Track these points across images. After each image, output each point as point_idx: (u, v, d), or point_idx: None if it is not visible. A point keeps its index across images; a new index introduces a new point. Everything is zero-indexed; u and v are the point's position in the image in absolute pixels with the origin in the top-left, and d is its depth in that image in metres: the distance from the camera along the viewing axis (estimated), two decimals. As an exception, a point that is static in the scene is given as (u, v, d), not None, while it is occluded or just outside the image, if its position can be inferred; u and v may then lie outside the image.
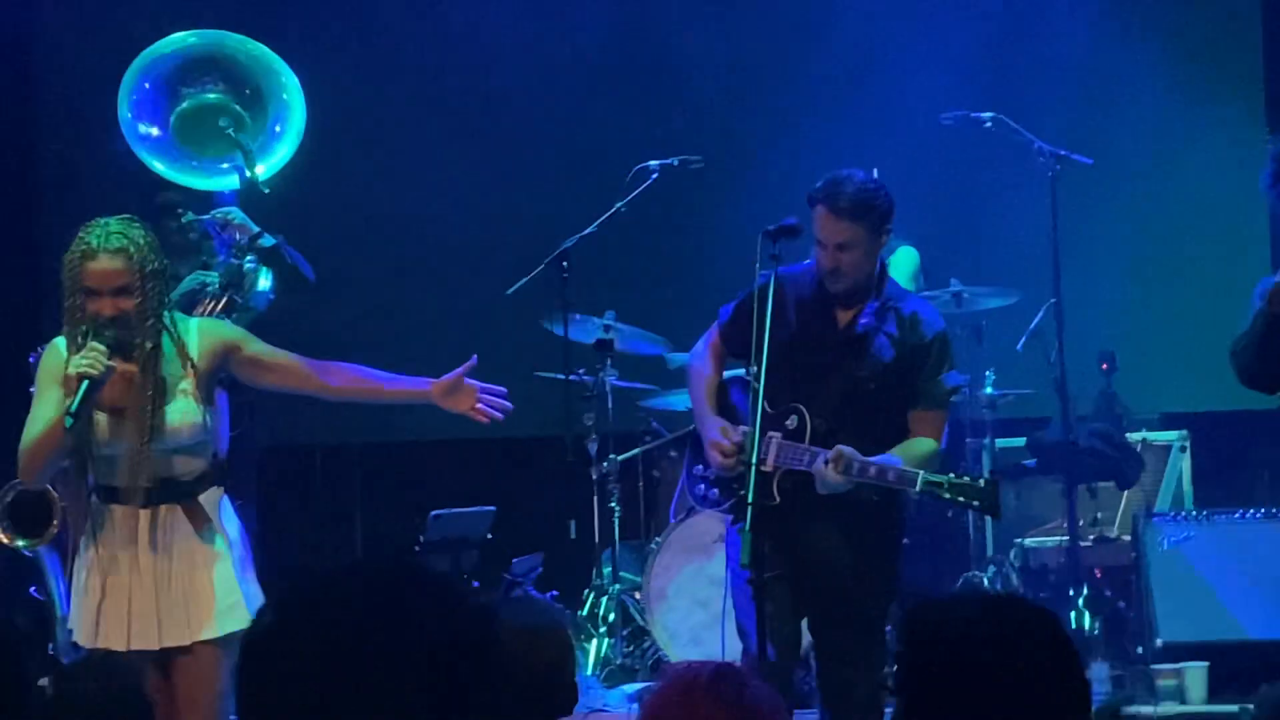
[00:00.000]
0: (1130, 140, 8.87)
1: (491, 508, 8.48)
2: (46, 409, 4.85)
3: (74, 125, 9.15)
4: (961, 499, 5.20)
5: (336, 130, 9.11)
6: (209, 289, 6.87)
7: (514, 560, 8.27)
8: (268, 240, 6.66)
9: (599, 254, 7.79)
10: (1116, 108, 8.97)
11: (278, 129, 6.80)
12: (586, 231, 7.59)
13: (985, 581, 7.69)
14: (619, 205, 7.55)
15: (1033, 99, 8.49)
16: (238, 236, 6.65)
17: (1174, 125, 8.99)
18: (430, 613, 1.96)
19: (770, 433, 5.29)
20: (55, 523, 6.15)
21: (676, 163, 7.60)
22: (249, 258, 6.76)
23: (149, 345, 4.87)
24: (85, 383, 4.71)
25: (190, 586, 4.88)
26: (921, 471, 5.20)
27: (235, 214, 6.66)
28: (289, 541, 8.60)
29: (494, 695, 1.98)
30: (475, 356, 5.05)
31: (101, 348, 4.78)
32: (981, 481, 5.26)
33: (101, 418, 4.90)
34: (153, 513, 4.88)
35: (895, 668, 2.60)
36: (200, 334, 5.02)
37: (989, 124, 7.63)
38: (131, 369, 4.88)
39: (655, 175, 7.57)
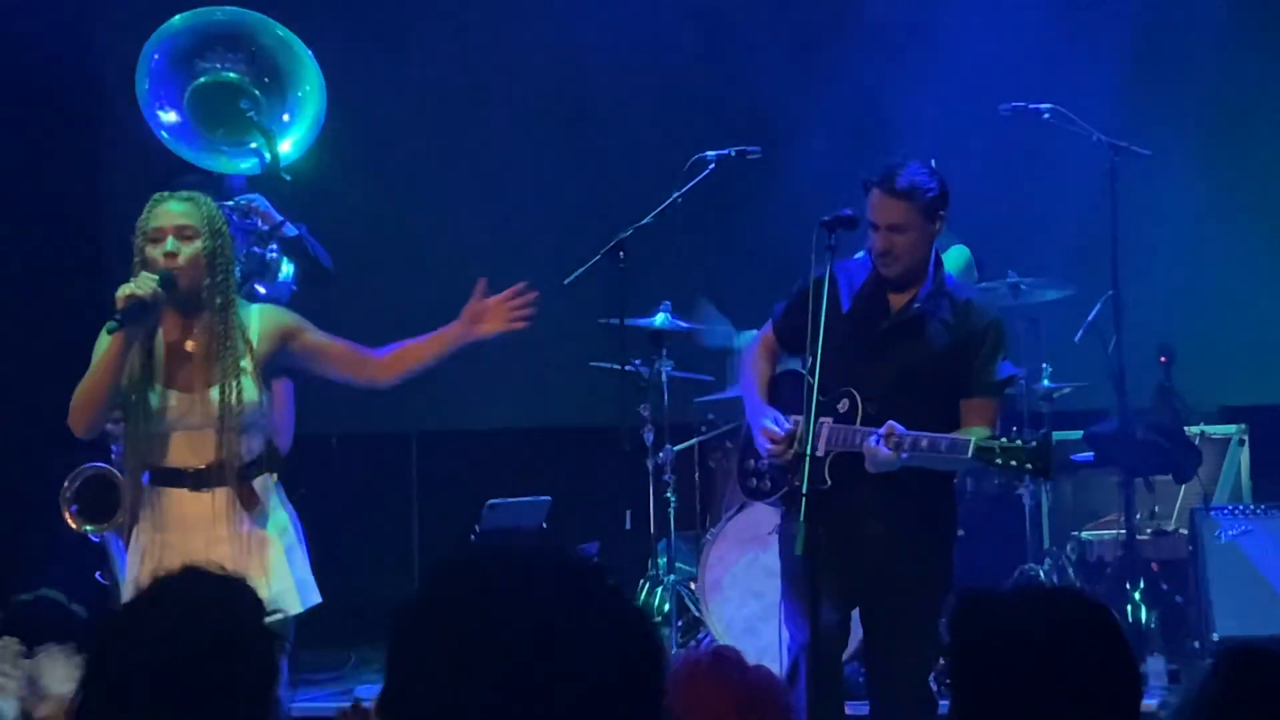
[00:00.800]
0: (1189, 131, 8.82)
1: (547, 498, 8.50)
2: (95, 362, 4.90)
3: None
4: (1014, 463, 5.09)
5: (392, 119, 9.17)
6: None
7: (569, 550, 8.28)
8: (290, 230, 6.68)
9: (655, 245, 7.80)
10: (1175, 98, 8.91)
11: (285, 118, 6.77)
12: (643, 222, 7.59)
13: (1041, 574, 7.67)
14: (676, 196, 7.54)
15: (1090, 90, 8.44)
16: (260, 224, 6.65)
17: (1233, 115, 8.94)
18: (612, 626, 1.94)
19: (822, 419, 5.29)
20: (123, 508, 6.20)
21: (733, 153, 7.57)
22: (272, 246, 6.75)
23: (218, 308, 4.90)
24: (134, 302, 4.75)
25: (240, 571, 4.88)
26: (973, 438, 5.13)
27: (259, 201, 6.66)
28: (346, 531, 8.64)
29: None
30: (483, 279, 5.06)
31: (153, 277, 4.81)
32: (1033, 442, 5.11)
33: (160, 394, 4.93)
34: (209, 496, 4.91)
35: (947, 660, 2.60)
36: (260, 318, 5.06)
37: (1047, 115, 7.60)
38: (195, 345, 4.91)
39: (712, 166, 7.56)
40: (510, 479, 8.74)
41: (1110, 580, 7.84)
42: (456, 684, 1.89)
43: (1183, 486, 8.19)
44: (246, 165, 6.71)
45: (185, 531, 4.90)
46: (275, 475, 5.05)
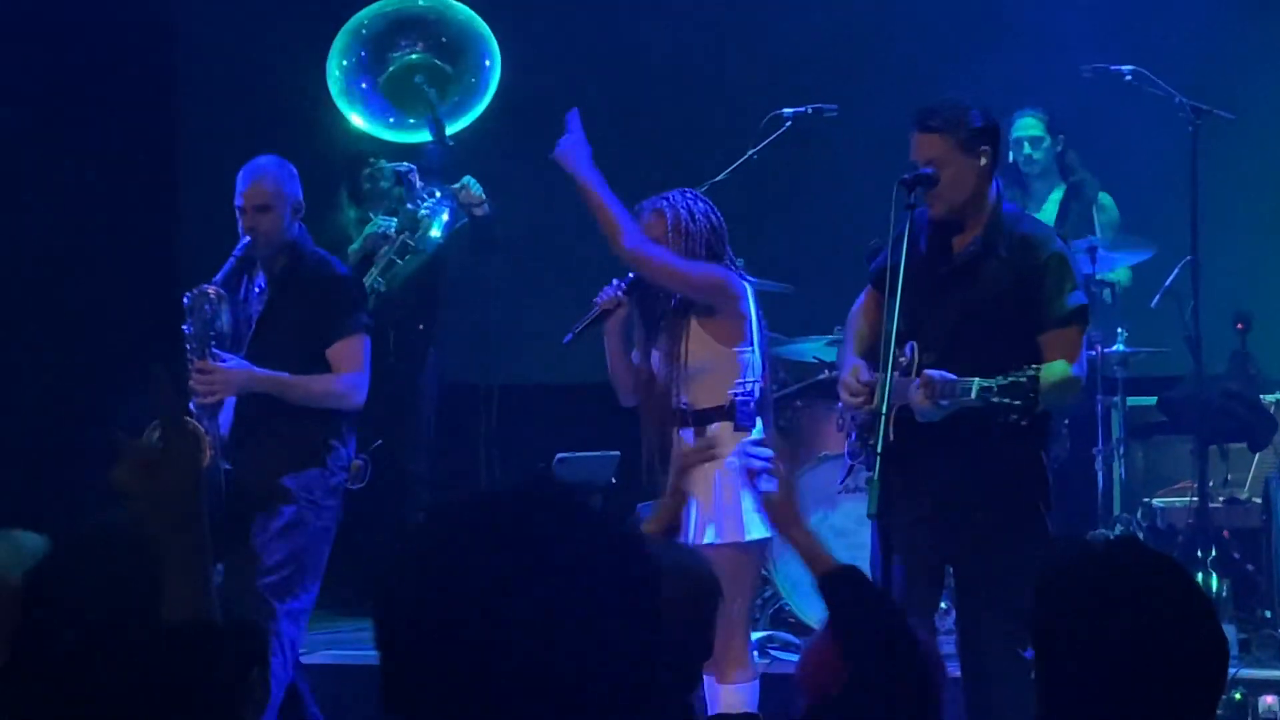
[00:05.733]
0: (1273, 95, 8.71)
1: (616, 453, 8.50)
2: None
3: (216, 61, 9.27)
4: (1006, 400, 4.93)
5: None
6: (387, 231, 7.49)
7: (639, 506, 8.29)
8: (488, 210, 7.76)
9: (730, 202, 7.76)
10: (1258, 62, 8.81)
11: (473, 80, 7.28)
12: (718, 179, 7.56)
13: (1112, 540, 7.63)
14: (751, 153, 7.50)
15: (1173, 52, 8.35)
16: (461, 199, 7.73)
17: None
18: (599, 548, 1.84)
19: (894, 373, 5.23)
20: (203, 457, 6.24)
21: (810, 111, 7.53)
22: (425, 206, 7.61)
23: None
24: None
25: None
26: (976, 379, 4.99)
27: (472, 184, 7.64)
28: (414, 483, 8.67)
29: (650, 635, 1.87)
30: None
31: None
32: (1023, 377, 4.94)
33: (653, 359, 5.78)
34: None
35: (1031, 621, 2.58)
36: None
37: (1129, 77, 7.53)
38: None
39: (789, 123, 7.52)
40: (580, 433, 8.73)
41: (1181, 547, 7.78)
42: (453, 640, 1.81)
43: (1257, 454, 8.11)
44: (418, 136, 7.57)
45: None
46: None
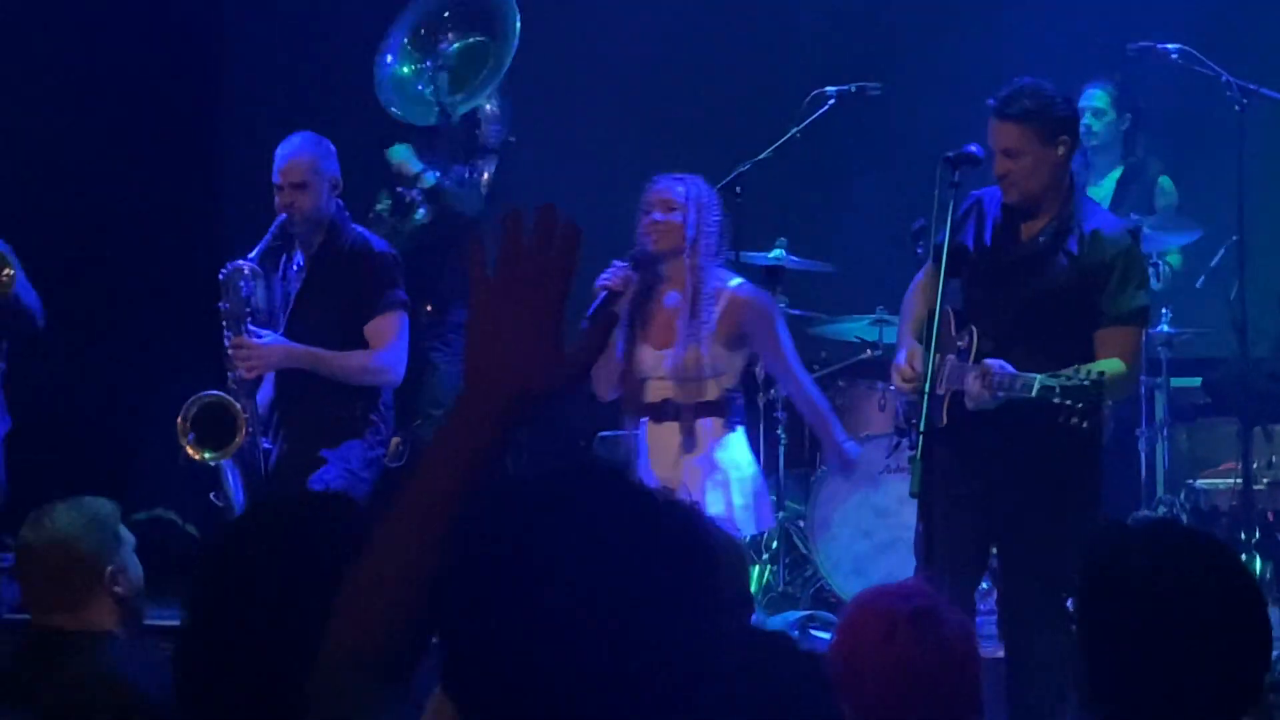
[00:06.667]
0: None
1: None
2: None
3: (259, 39, 9.28)
4: (1069, 401, 4.90)
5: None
6: (381, 213, 7.62)
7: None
8: (430, 179, 7.67)
9: (773, 180, 7.74)
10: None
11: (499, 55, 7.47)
12: (761, 157, 7.53)
13: (1155, 521, 7.58)
14: (794, 131, 7.47)
15: (1220, 31, 8.28)
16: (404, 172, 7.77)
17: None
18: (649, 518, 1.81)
19: (947, 355, 5.21)
20: (240, 436, 6.26)
21: (854, 89, 7.49)
22: (415, 190, 7.73)
23: None
24: None
25: None
26: (1038, 376, 4.98)
27: (399, 152, 7.71)
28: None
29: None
30: None
31: None
32: (1087, 380, 4.92)
33: (643, 351, 6.03)
34: None
35: (1075, 600, 2.56)
36: None
37: (1175, 56, 7.46)
38: None
39: (832, 101, 7.49)
40: (622, 412, 8.71)
41: (1225, 529, 7.72)
42: (512, 621, 1.77)
43: (1302, 436, 8.05)
44: (424, 116, 7.85)
45: None
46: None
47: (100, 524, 3.90)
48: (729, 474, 6.01)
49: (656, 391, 6.13)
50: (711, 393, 6.04)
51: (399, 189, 7.79)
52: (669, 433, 6.08)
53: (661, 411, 6.11)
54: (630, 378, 6.13)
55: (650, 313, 6.12)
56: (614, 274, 5.92)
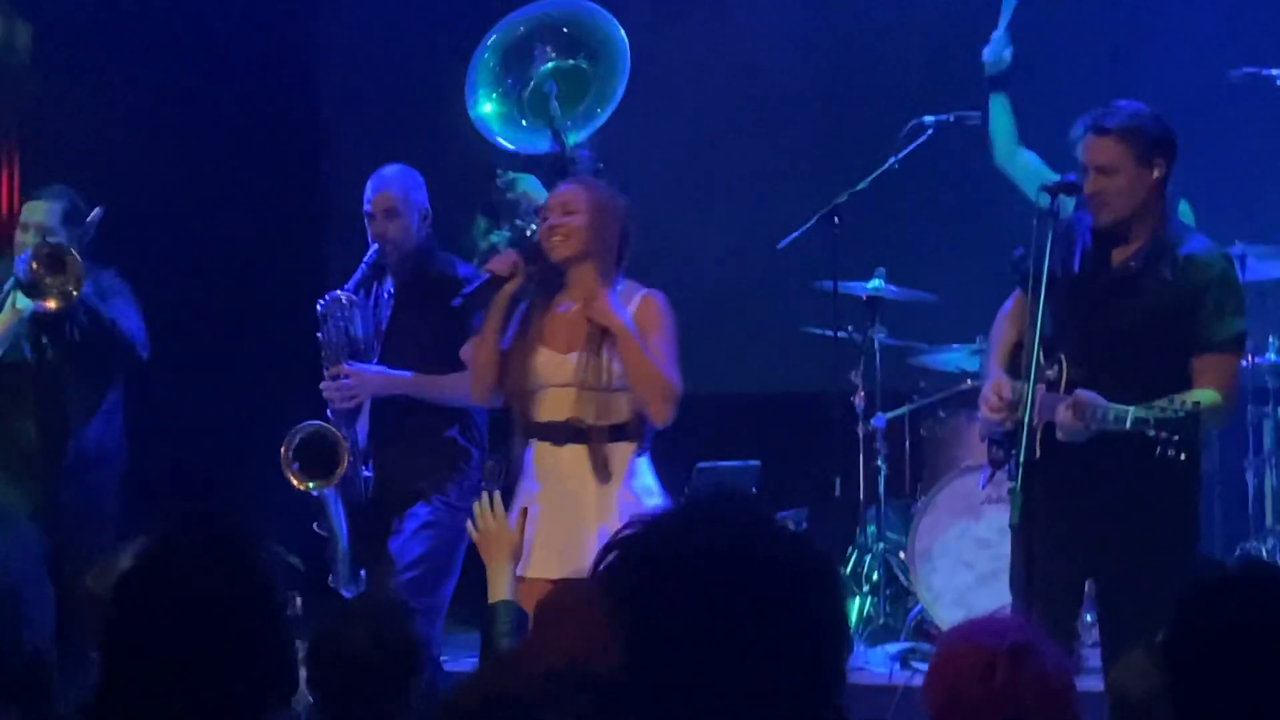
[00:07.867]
0: None
1: (757, 462, 8.46)
2: None
3: (358, 72, 9.37)
4: (1164, 434, 4.80)
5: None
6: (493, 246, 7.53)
7: (778, 515, 8.25)
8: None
9: (871, 210, 7.72)
10: None
11: (606, 85, 7.22)
12: (859, 187, 7.52)
13: (1263, 553, 7.47)
14: (892, 161, 7.46)
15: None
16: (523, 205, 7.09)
17: None
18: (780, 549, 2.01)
19: (1037, 385, 5.15)
20: (343, 464, 6.32)
21: (952, 118, 7.45)
22: (533, 223, 7.27)
23: None
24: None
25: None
26: (1131, 408, 4.87)
27: (524, 181, 7.06)
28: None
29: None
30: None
31: None
32: (1182, 411, 4.81)
33: (540, 355, 5.44)
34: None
35: (1168, 638, 2.51)
36: None
37: (1280, 82, 7.38)
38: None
39: (930, 131, 7.46)
40: (720, 443, 8.70)
41: (1334, 562, 7.61)
42: (660, 646, 1.97)
43: None
44: (538, 144, 7.23)
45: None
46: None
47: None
48: (645, 505, 5.34)
49: (555, 406, 5.46)
50: (623, 412, 5.47)
51: (517, 220, 7.70)
52: (572, 458, 5.42)
53: (562, 432, 5.46)
54: (520, 387, 5.50)
55: (548, 313, 5.51)
56: (502, 260, 5.56)
